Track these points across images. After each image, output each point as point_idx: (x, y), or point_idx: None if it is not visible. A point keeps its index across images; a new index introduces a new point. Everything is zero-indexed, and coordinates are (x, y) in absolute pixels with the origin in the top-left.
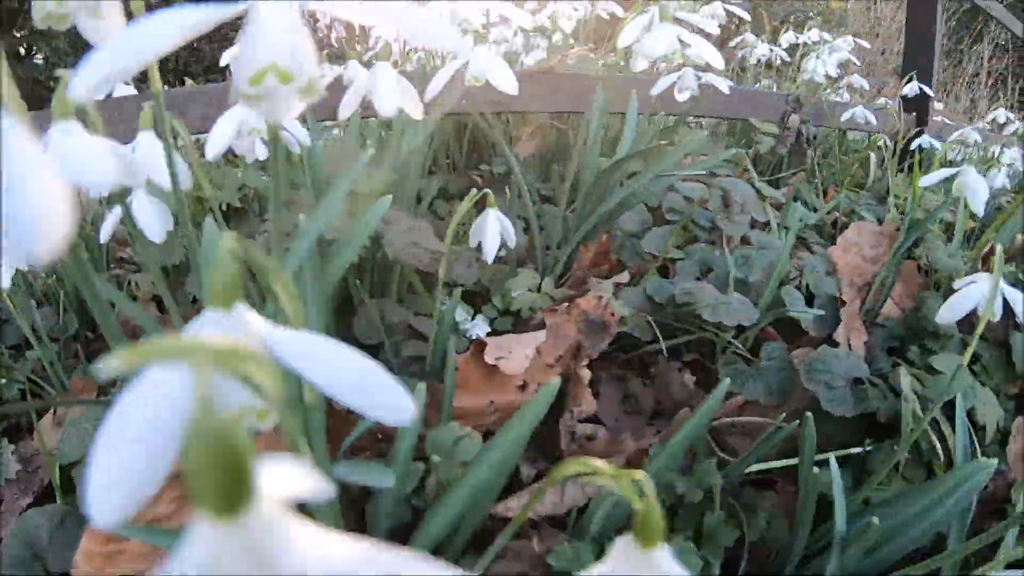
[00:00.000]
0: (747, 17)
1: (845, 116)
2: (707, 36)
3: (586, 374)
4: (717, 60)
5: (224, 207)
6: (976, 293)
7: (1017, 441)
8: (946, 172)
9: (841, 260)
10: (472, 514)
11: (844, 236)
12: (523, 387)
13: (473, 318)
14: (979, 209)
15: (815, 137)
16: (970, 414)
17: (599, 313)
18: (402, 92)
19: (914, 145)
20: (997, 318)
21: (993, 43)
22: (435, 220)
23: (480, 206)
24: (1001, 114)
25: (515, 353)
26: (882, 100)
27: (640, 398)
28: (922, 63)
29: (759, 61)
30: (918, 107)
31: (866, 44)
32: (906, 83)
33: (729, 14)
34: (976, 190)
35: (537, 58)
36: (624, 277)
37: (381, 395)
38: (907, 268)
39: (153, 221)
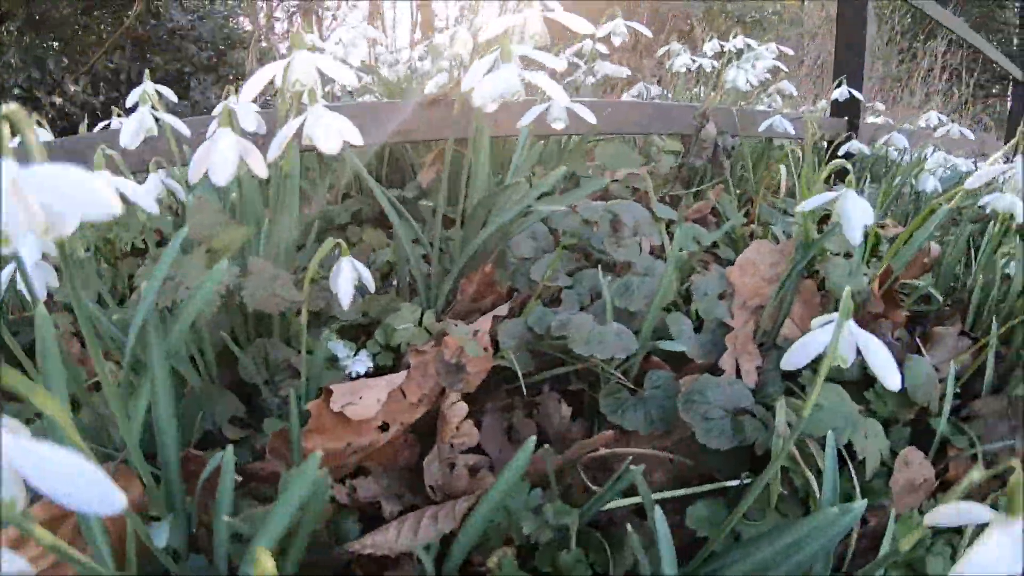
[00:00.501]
0: (648, 34)
1: (763, 126)
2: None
3: (458, 410)
4: (561, 97)
5: (129, 246)
6: (824, 337)
7: (900, 474)
8: (828, 196)
9: (739, 280)
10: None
11: (743, 255)
12: (384, 428)
13: (356, 354)
14: (854, 237)
15: (734, 148)
16: (851, 446)
17: (452, 355)
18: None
19: (843, 151)
20: (848, 364)
21: (947, 39)
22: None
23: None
24: (933, 116)
25: (365, 398)
26: (819, 104)
27: (522, 430)
28: (853, 66)
29: (687, 70)
30: (849, 111)
31: (789, 51)
32: (836, 87)
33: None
34: (851, 216)
35: (440, 82)
36: (503, 309)
37: (89, 490)
38: (806, 287)
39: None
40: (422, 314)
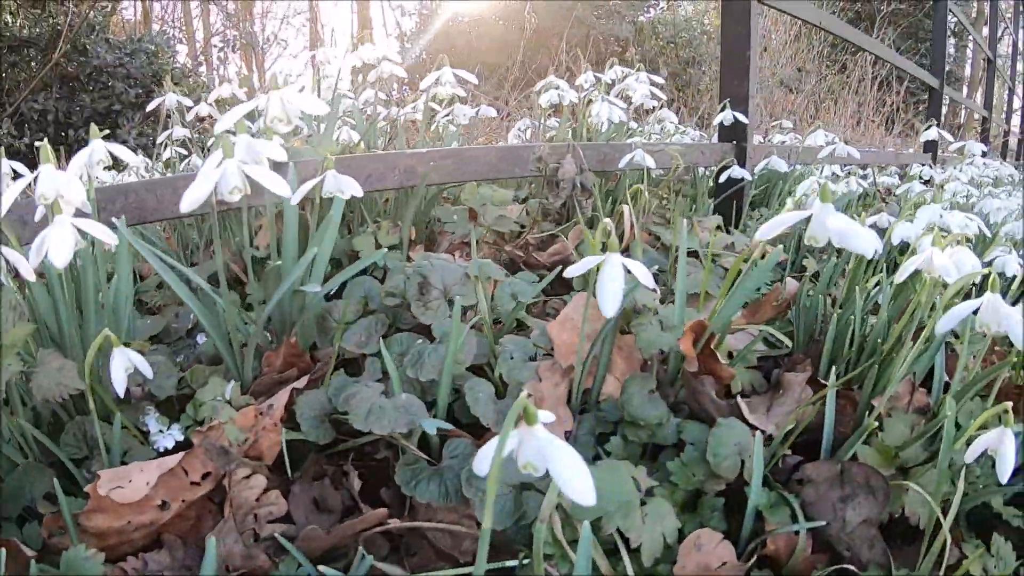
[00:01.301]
0: (474, 81)
1: (623, 161)
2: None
3: (255, 482)
4: (280, 186)
5: None
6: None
7: (688, 559)
8: (596, 259)
9: (558, 337)
10: None
11: (564, 309)
12: (164, 506)
13: (168, 428)
14: (606, 310)
15: (593, 185)
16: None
17: (216, 438)
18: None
19: (723, 177)
20: (539, 473)
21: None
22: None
23: None
24: (820, 135)
25: (135, 481)
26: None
27: (329, 499)
28: (738, 90)
29: (559, 104)
30: (735, 135)
31: (659, 79)
32: (721, 111)
33: None
34: (604, 287)
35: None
36: (302, 381)
37: None
38: (626, 343)
39: None
40: (232, 387)
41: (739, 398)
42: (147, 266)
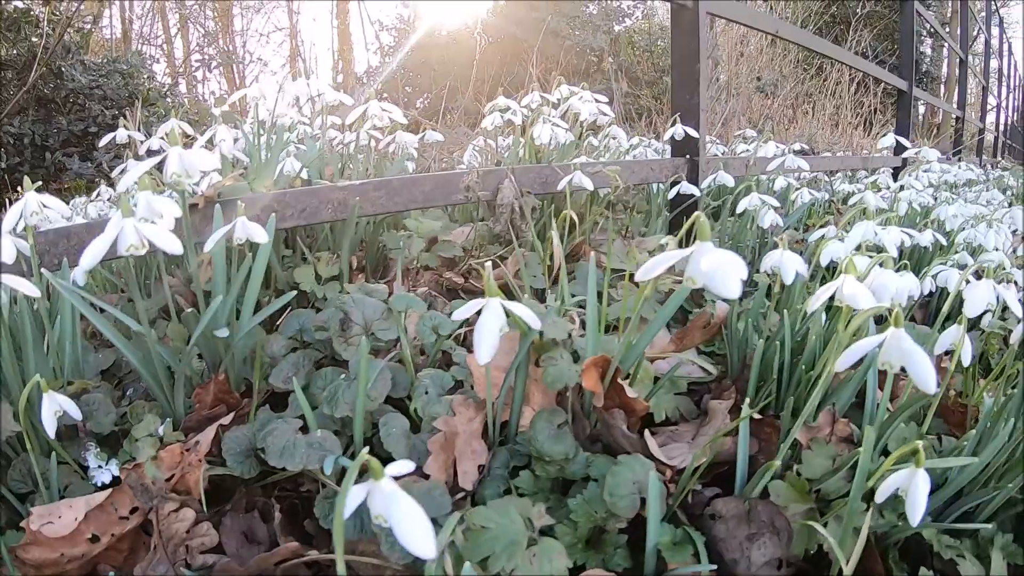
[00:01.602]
0: (402, 120)
1: (562, 183)
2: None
3: (184, 516)
4: (171, 245)
5: None
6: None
7: None
8: (473, 305)
9: (478, 370)
10: None
11: None
12: (94, 539)
13: (107, 463)
14: (479, 356)
15: (534, 209)
16: None
17: (141, 474)
18: None
19: (672, 194)
20: (389, 525)
21: (852, 49)
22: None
23: None
24: (771, 146)
25: (64, 517)
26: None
27: (258, 531)
28: (689, 104)
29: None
30: (687, 149)
31: (603, 98)
32: (671, 126)
33: None
34: (478, 335)
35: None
36: (228, 418)
37: None
38: (539, 373)
39: None
40: (165, 424)
41: (647, 432)
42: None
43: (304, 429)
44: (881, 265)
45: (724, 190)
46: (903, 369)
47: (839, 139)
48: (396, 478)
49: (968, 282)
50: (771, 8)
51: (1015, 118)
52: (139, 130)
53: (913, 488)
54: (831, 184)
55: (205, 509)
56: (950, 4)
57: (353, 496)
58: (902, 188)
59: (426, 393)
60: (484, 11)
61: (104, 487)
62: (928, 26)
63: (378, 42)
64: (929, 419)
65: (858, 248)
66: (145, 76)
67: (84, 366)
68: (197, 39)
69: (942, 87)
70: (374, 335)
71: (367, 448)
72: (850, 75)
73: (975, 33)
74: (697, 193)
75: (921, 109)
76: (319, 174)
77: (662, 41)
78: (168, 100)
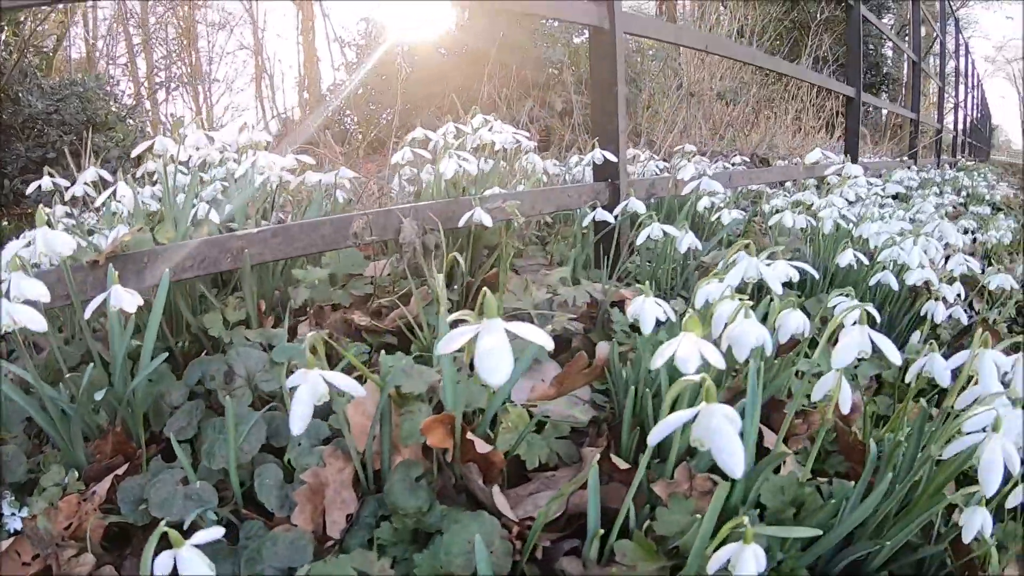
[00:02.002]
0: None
1: (463, 220)
2: None
3: (84, 560)
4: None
5: None
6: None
7: None
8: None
9: (354, 419)
10: None
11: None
12: None
13: (20, 510)
14: (293, 428)
15: (437, 246)
16: None
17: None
18: None
19: (586, 221)
20: None
21: (812, 53)
22: None
23: None
24: (690, 168)
25: None
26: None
27: None
28: (608, 128)
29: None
30: (608, 173)
31: (510, 127)
32: (591, 151)
33: None
34: (296, 401)
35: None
36: (122, 469)
37: None
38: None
39: None
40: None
41: (495, 487)
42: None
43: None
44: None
45: (668, 205)
46: (814, 404)
47: (802, 143)
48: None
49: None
50: (731, 13)
51: (975, 116)
52: (91, 159)
53: (740, 565)
54: (753, 204)
55: (102, 554)
56: (908, 5)
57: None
58: (816, 210)
59: (299, 444)
60: (446, 27)
61: (16, 533)
62: (889, 29)
63: (344, 58)
64: (810, 463)
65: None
66: (104, 99)
67: (11, 415)
68: (158, 59)
69: (903, 89)
70: (257, 387)
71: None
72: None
73: (934, 34)
74: (611, 220)
75: (884, 111)
76: (244, 216)
77: (653, 39)
78: (129, 122)
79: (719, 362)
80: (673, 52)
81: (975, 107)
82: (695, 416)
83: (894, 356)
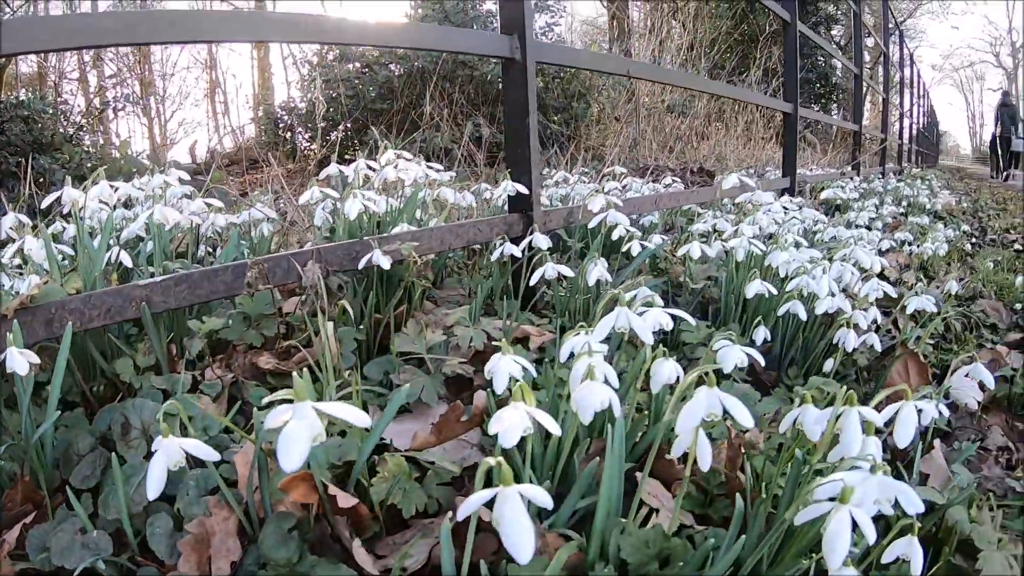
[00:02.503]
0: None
1: (362, 262)
2: None
3: None
4: None
5: None
6: None
7: None
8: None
9: (242, 469)
10: None
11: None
12: None
13: None
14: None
15: (340, 288)
16: None
17: None
18: None
19: (495, 256)
20: None
21: (761, 68)
22: None
23: None
24: (600, 200)
25: None
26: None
27: None
28: (521, 161)
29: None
30: (522, 206)
31: (411, 158)
32: (504, 182)
33: None
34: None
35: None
36: (30, 517)
37: None
38: None
39: None
40: None
41: (356, 539)
42: None
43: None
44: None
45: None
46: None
47: (752, 152)
48: None
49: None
50: (682, 26)
51: (923, 124)
52: (32, 185)
53: None
54: (678, 229)
55: None
56: (852, 20)
57: None
58: (735, 234)
59: (188, 494)
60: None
61: None
62: (837, 38)
63: (299, 73)
64: (675, 520)
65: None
66: (50, 118)
67: None
68: (110, 75)
69: (852, 99)
70: (152, 438)
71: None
72: (760, 91)
73: (883, 44)
74: (518, 254)
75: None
76: (163, 257)
77: (572, 68)
78: (80, 141)
79: (555, 429)
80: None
81: (923, 115)
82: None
83: (746, 420)
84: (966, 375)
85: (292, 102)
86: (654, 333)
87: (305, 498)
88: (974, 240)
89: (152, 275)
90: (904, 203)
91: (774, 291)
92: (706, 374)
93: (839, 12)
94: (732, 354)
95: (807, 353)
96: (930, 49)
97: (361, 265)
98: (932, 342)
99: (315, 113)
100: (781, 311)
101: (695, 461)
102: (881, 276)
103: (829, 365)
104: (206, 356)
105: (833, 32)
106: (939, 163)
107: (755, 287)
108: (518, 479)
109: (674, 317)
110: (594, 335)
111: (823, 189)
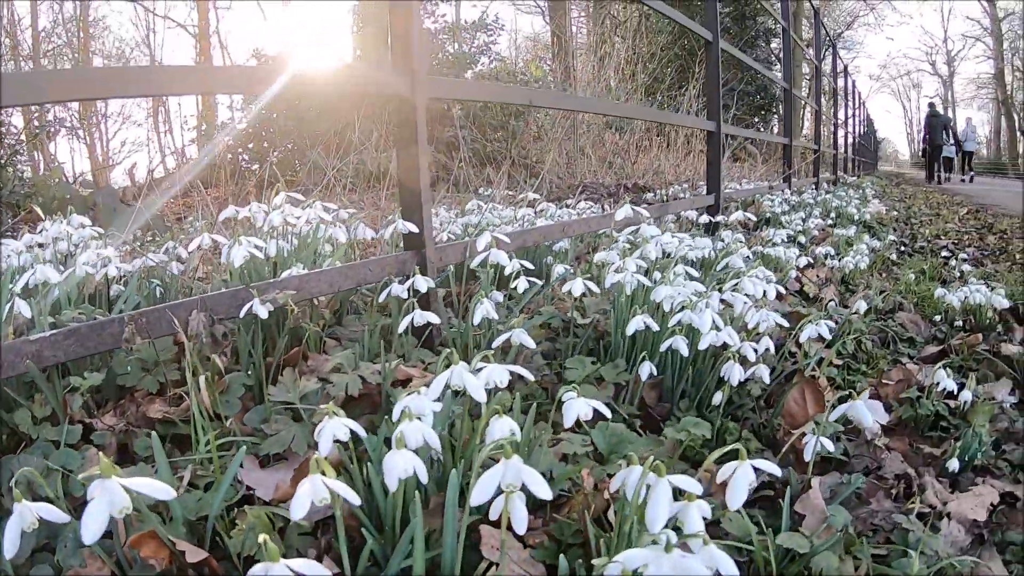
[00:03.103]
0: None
1: (243, 310)
2: None
3: None
4: None
5: None
6: None
7: None
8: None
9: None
10: None
11: None
12: None
13: None
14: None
15: (226, 335)
16: None
17: None
18: None
19: (383, 296)
20: None
21: (700, 82)
22: None
23: None
24: (486, 237)
25: None
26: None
27: None
28: (411, 195)
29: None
30: (415, 244)
31: (332, 208)
32: (397, 219)
33: None
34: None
35: None
36: None
37: None
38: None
39: None
40: None
41: None
42: None
43: None
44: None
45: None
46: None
47: (692, 165)
48: None
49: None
50: (623, 40)
51: (860, 133)
52: None
53: None
54: (575, 262)
55: None
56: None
57: None
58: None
59: (66, 545)
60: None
61: None
62: (773, 55)
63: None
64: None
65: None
66: None
67: None
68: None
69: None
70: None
71: None
72: (700, 104)
73: (816, 58)
74: (404, 295)
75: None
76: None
77: (511, 83)
78: (16, 165)
79: (354, 499)
80: (563, 84)
81: (860, 124)
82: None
83: (543, 493)
84: (847, 411)
85: (233, 121)
86: (549, 361)
87: (155, 554)
88: (903, 248)
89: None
90: (833, 214)
91: (655, 327)
92: (502, 446)
93: (778, 27)
94: (575, 407)
95: (698, 384)
96: (868, 59)
97: (242, 314)
98: (840, 363)
99: (255, 133)
100: (664, 347)
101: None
102: (801, 292)
103: (719, 398)
104: (110, 401)
105: (773, 45)
106: (878, 169)
107: (635, 323)
108: None
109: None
110: (429, 392)
111: (751, 203)
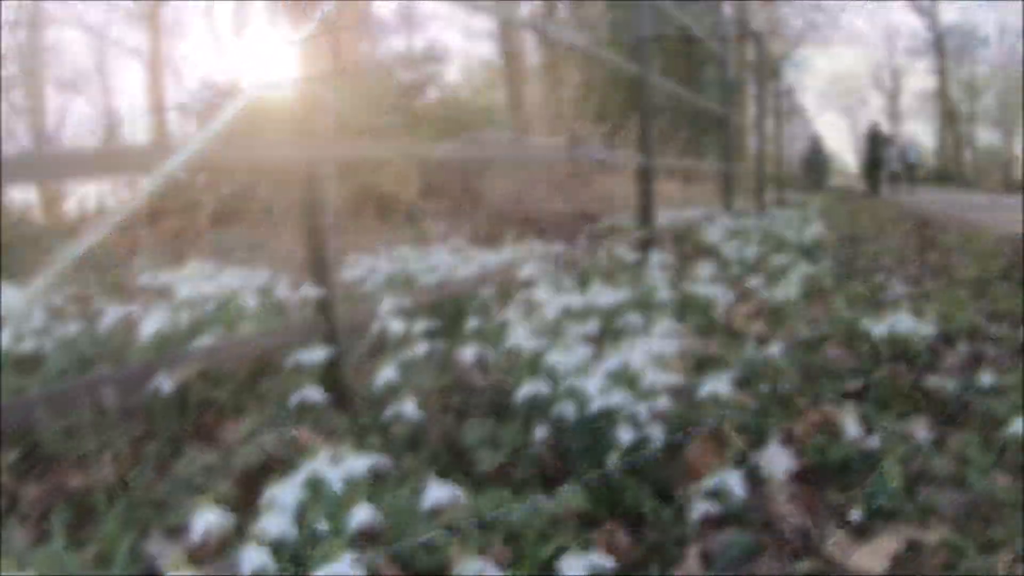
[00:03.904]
0: None
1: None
2: None
3: None
4: None
5: None
6: None
7: None
8: None
9: None
10: None
11: None
12: None
13: None
14: None
15: (137, 408)
16: None
17: None
18: None
19: (289, 364)
20: None
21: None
22: None
23: None
24: (386, 304)
25: None
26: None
27: None
28: (318, 256)
29: None
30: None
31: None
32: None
33: None
34: None
35: None
36: None
37: None
38: None
39: None
40: None
41: None
42: None
43: None
44: None
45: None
46: None
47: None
48: None
49: None
50: (577, 67)
51: (807, 151)
52: None
53: None
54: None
55: None
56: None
57: None
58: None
59: None
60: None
61: None
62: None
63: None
64: None
65: None
66: None
67: None
68: None
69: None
70: None
71: None
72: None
73: (756, 85)
74: (311, 361)
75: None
76: None
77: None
78: None
79: None
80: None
81: (808, 140)
82: None
83: None
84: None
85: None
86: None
87: None
88: (840, 271)
89: None
90: (770, 241)
91: (546, 390)
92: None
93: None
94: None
95: (596, 447)
96: (814, 77)
97: (150, 389)
98: (755, 406)
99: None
100: (555, 413)
101: None
102: (729, 330)
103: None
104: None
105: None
106: (827, 186)
107: (525, 390)
108: None
109: None
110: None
111: (686, 234)
